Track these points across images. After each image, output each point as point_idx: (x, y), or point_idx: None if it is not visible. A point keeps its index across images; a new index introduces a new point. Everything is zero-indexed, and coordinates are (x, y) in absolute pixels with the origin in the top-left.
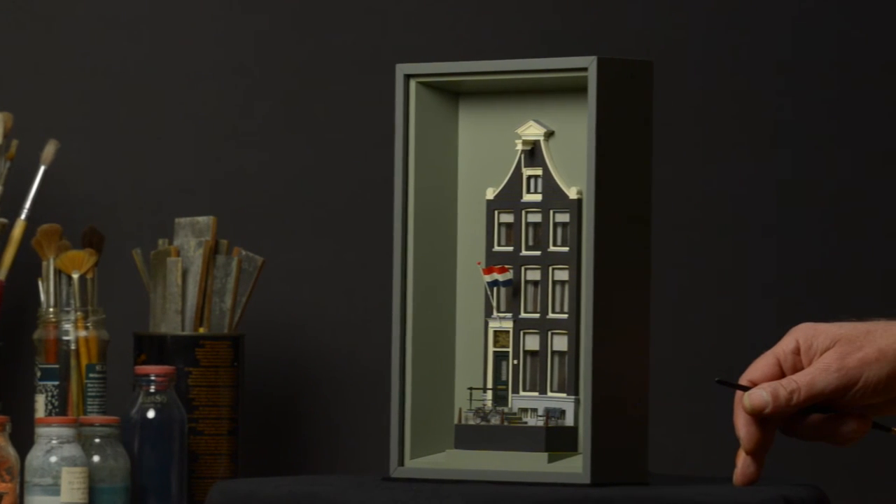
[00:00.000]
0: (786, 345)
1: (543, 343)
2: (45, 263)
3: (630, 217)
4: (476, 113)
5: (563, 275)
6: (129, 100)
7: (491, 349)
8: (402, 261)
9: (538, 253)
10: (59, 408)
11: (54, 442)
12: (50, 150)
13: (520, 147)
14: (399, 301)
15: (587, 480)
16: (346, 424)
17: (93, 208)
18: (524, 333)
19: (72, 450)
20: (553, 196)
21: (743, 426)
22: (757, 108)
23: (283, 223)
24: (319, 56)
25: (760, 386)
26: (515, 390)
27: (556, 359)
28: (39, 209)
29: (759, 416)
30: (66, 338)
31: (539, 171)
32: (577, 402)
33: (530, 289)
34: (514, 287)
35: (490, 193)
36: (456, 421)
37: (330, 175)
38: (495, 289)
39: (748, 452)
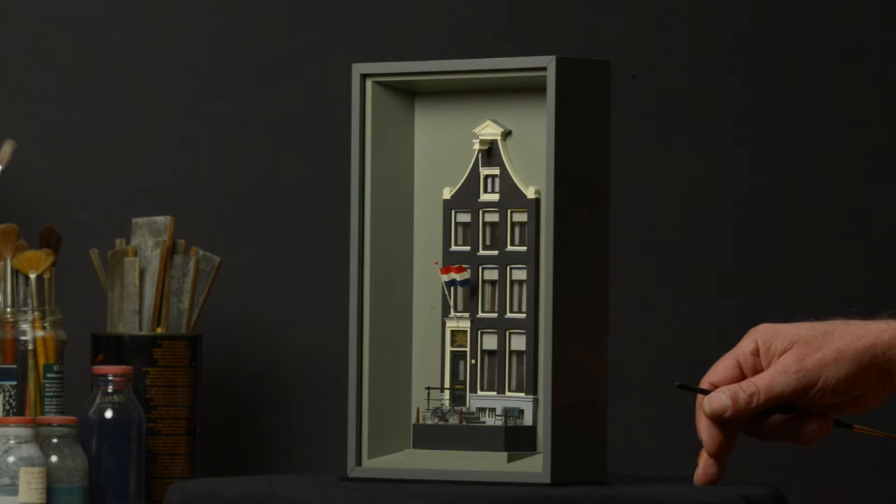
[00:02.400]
0: (745, 346)
1: (501, 342)
2: (1, 263)
3: (588, 216)
4: (433, 112)
5: (520, 274)
6: (87, 99)
7: (448, 349)
8: (359, 260)
9: (496, 252)
10: (17, 408)
11: (12, 442)
12: (7, 149)
13: (477, 146)
14: (356, 301)
15: (547, 480)
16: (304, 424)
17: (50, 208)
18: (482, 333)
19: (29, 450)
20: (511, 195)
21: (705, 429)
22: (714, 108)
23: (240, 223)
24: (275, 55)
25: (720, 389)
26: (473, 390)
27: (514, 358)
28: None
29: (719, 420)
30: (23, 338)
31: (496, 171)
32: (535, 401)
33: (488, 288)
34: (471, 287)
35: (447, 193)
36: (414, 420)
37: (287, 175)
38: (453, 288)
39: (711, 455)
